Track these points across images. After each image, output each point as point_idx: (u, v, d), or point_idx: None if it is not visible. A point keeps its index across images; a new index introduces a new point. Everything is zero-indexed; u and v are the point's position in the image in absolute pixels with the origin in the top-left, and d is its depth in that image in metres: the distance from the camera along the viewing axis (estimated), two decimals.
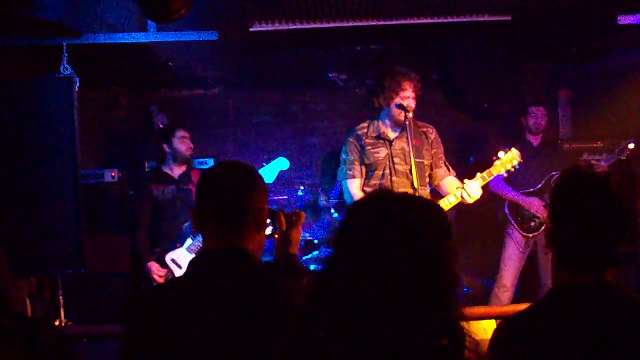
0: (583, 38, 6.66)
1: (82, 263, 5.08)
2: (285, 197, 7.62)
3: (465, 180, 4.89)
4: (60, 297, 5.87)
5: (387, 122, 5.09)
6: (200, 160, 7.35)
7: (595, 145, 6.91)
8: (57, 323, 5.79)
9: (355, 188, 5.07)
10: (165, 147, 6.04)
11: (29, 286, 6.06)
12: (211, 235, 2.31)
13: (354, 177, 5.09)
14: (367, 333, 1.57)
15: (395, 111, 4.93)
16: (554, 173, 6.22)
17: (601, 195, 2.14)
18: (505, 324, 2.21)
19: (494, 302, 6.27)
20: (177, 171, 6.08)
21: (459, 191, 4.85)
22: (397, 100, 4.91)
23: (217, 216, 2.29)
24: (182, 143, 6.01)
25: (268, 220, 2.54)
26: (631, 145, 6.18)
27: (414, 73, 5.02)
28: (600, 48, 6.73)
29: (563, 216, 2.19)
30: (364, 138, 5.08)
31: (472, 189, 4.82)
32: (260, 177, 2.43)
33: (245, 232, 2.27)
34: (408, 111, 4.79)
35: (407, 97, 4.91)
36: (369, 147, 5.06)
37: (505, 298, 6.25)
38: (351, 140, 5.14)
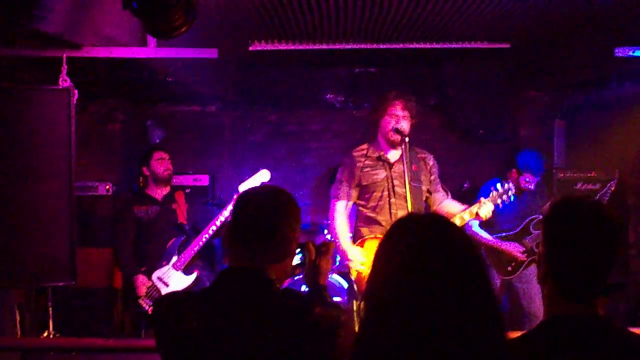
0: (580, 68, 6.70)
1: (73, 275, 5.06)
2: None
3: (482, 199, 4.99)
4: (50, 309, 5.86)
5: (382, 142, 5.11)
6: (196, 177, 7.35)
7: (589, 175, 6.92)
8: (45, 334, 5.78)
9: (338, 209, 5.12)
10: (145, 169, 6.12)
11: (18, 296, 6.04)
12: (236, 253, 2.39)
13: (339, 198, 5.13)
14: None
15: (389, 132, 4.96)
16: (534, 216, 6.14)
17: (597, 221, 2.15)
18: None
19: None
20: (160, 193, 6.12)
21: (475, 208, 4.95)
22: (388, 118, 4.96)
23: (245, 237, 2.37)
24: (159, 164, 6.07)
25: (297, 250, 2.60)
26: (613, 187, 6.13)
27: (409, 95, 5.07)
28: (596, 79, 6.78)
29: (559, 243, 2.19)
30: (363, 160, 5.10)
31: (487, 207, 4.93)
32: (295, 207, 2.49)
33: (268, 257, 2.35)
34: (405, 135, 4.82)
35: (397, 114, 4.95)
36: (368, 169, 5.08)
37: None
38: (347, 161, 5.18)
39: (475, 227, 6.06)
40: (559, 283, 2.18)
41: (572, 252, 2.14)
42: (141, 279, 5.72)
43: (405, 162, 4.72)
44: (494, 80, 8.07)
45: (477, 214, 4.94)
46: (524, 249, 6.02)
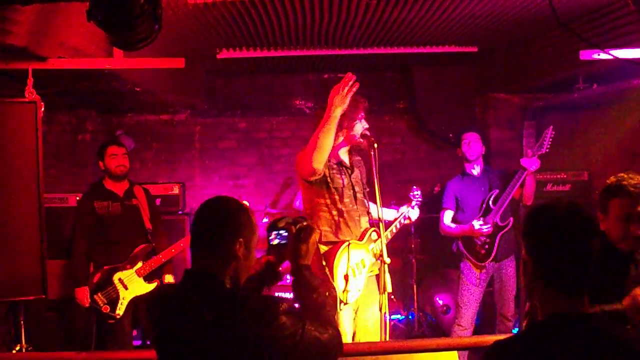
0: (547, 71, 6.75)
1: (44, 289, 5.02)
2: None
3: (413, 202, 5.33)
4: (22, 322, 5.82)
5: (344, 148, 5.02)
6: (166, 186, 7.29)
7: (558, 176, 6.98)
8: (17, 348, 5.74)
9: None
10: (101, 164, 5.98)
11: None
12: (193, 258, 2.69)
13: None
14: None
15: (357, 138, 4.90)
16: (489, 194, 6.01)
17: (574, 221, 2.20)
18: (497, 348, 2.22)
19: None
20: (119, 188, 5.99)
21: (405, 209, 5.28)
22: (359, 125, 4.90)
23: (196, 244, 2.65)
24: (111, 160, 5.91)
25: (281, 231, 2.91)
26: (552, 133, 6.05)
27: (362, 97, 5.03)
28: (564, 80, 6.81)
29: (544, 249, 2.22)
30: (330, 159, 4.84)
31: (415, 212, 5.31)
32: (237, 212, 2.68)
33: (216, 260, 2.58)
34: (374, 142, 4.75)
35: (363, 119, 4.92)
36: (333, 171, 4.87)
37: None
38: None
39: (447, 221, 6.09)
40: (550, 284, 2.21)
41: (559, 255, 2.19)
42: (82, 293, 5.65)
43: (375, 168, 4.67)
44: (462, 83, 8.14)
45: (409, 218, 5.26)
46: (487, 224, 5.92)
